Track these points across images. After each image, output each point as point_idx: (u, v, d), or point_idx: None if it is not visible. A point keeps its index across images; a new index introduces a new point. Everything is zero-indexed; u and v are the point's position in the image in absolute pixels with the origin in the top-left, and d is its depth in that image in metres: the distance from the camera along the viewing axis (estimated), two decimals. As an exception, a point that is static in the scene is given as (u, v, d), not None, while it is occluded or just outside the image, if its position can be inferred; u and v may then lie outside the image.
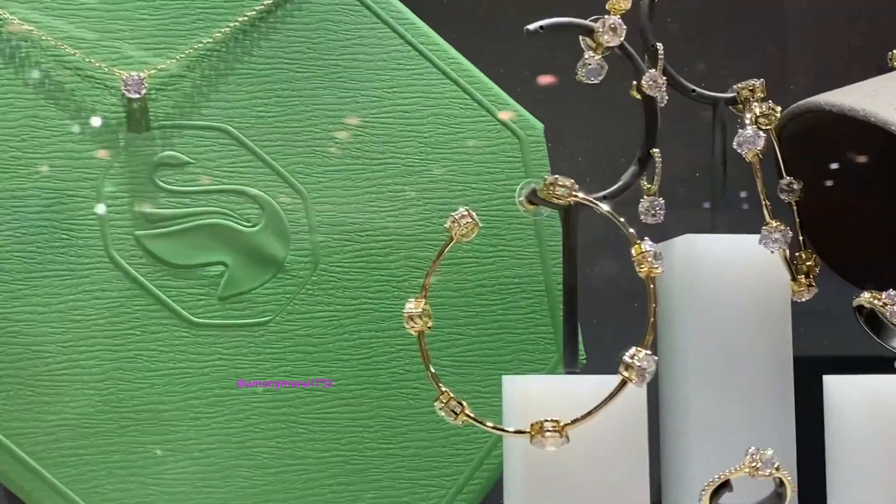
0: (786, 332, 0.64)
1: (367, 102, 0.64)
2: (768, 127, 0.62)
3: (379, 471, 0.62)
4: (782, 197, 0.64)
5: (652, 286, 0.51)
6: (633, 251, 0.51)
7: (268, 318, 0.61)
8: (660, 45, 0.62)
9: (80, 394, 0.59)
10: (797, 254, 0.63)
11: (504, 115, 0.65)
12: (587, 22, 0.55)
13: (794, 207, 0.64)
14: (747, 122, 0.62)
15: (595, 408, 0.49)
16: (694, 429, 0.63)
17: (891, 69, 0.70)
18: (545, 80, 0.74)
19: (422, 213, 0.64)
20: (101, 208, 0.60)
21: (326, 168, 0.63)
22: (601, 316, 0.73)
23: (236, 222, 0.62)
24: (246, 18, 0.62)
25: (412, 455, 0.62)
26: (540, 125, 0.65)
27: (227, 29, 0.62)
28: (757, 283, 0.63)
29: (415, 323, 0.52)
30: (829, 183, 0.71)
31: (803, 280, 0.62)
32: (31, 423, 0.58)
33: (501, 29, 0.76)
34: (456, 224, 0.52)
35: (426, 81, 0.65)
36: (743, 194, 0.71)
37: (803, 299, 0.63)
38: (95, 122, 0.61)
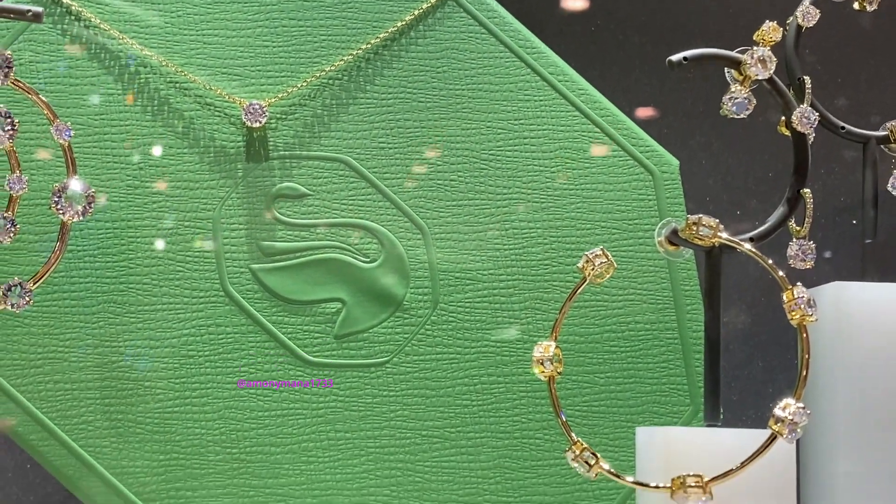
0: None
1: (493, 134, 0.65)
2: None
3: None
4: None
5: (804, 335, 0.52)
6: (784, 297, 0.52)
7: (385, 358, 0.62)
8: (807, 79, 0.63)
9: (190, 432, 0.60)
10: None
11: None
12: (734, 54, 0.56)
13: None
14: None
15: (743, 463, 0.50)
16: (841, 494, 0.62)
17: None
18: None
19: (548, 253, 0.64)
20: (216, 241, 0.62)
21: (449, 203, 0.64)
22: (733, 368, 0.74)
23: (355, 257, 0.63)
24: (369, 46, 0.64)
25: (545, 491, 0.62)
26: (675, 161, 0.66)
27: (349, 57, 0.64)
28: None
29: (544, 368, 0.52)
30: None
31: None
32: (141, 462, 0.59)
33: (633, 60, 0.77)
34: (590, 264, 0.53)
35: (555, 113, 0.66)
36: None
37: None
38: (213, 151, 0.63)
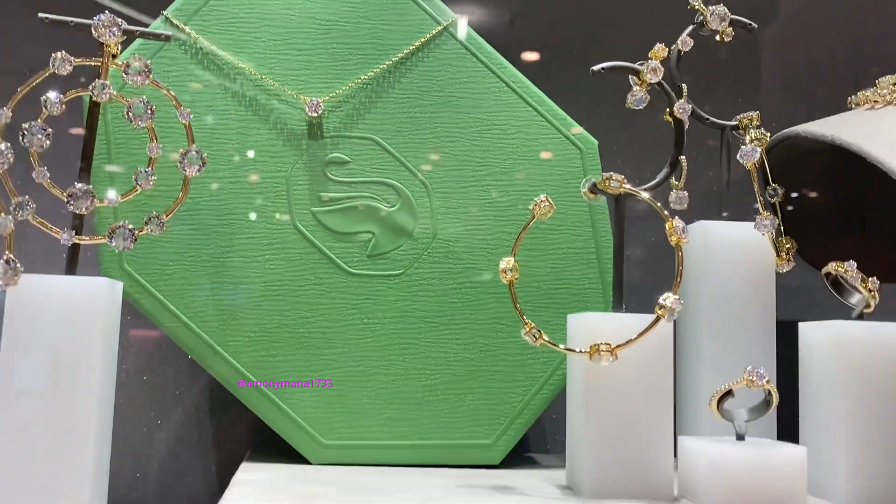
0: (771, 292, 0.62)
1: (473, 123, 0.63)
2: (760, 147, 0.62)
3: (475, 382, 0.61)
4: (769, 199, 0.64)
5: (680, 253, 0.51)
6: (666, 226, 0.51)
7: (400, 271, 0.61)
8: (684, 85, 0.62)
9: (273, 318, 0.59)
10: (779, 238, 0.62)
11: (574, 131, 0.64)
12: (635, 65, 0.55)
13: (778, 206, 0.64)
14: (747, 141, 0.62)
15: (638, 335, 0.50)
16: (706, 365, 0.61)
17: (849, 109, 0.69)
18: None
19: (511, 203, 0.63)
20: (289, 193, 0.61)
21: (444, 168, 0.63)
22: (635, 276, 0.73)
23: (381, 204, 0.62)
24: (390, 62, 0.63)
25: (499, 371, 0.61)
26: (595, 140, 0.65)
27: (377, 69, 0.62)
28: (752, 257, 0.62)
29: (507, 275, 0.52)
30: (804, 189, 0.70)
31: (784, 256, 0.62)
32: (240, 339, 0.58)
33: (569, 71, 0.75)
34: (538, 206, 0.52)
35: (515, 109, 0.64)
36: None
37: (783, 271, 0.62)
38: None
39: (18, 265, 0.47)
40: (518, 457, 0.65)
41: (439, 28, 0.64)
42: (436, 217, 0.62)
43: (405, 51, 0.63)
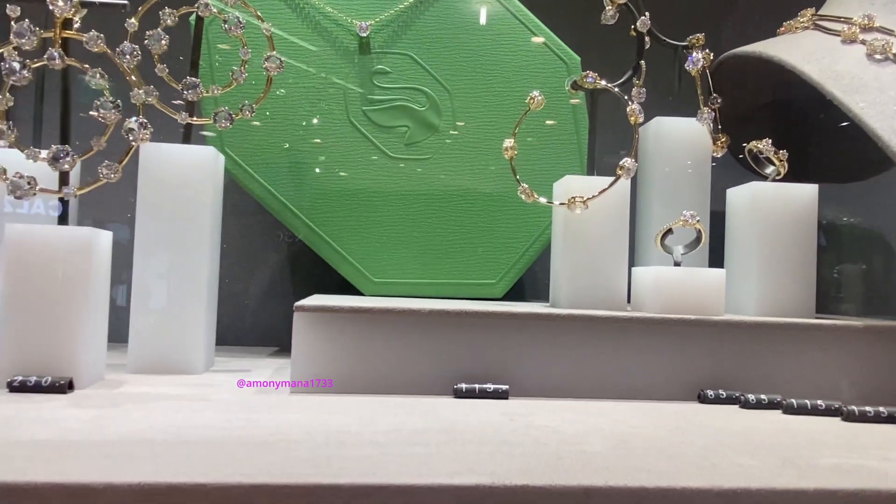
0: (707, 169, 0.63)
1: (485, 43, 0.64)
2: (703, 59, 0.62)
3: (484, 238, 0.63)
4: (711, 105, 0.65)
5: (637, 133, 0.54)
6: (627, 111, 0.54)
7: (429, 156, 0.63)
8: (647, 13, 0.63)
9: (337, 187, 0.62)
10: (717, 134, 0.63)
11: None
12: None
13: (717, 111, 0.65)
14: (694, 55, 0.63)
15: (603, 190, 0.53)
16: (654, 221, 0.61)
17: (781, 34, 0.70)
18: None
19: (511, 103, 0.64)
20: (345, 96, 0.63)
21: (461, 78, 0.64)
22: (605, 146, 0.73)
23: (414, 104, 0.63)
24: None
25: (503, 230, 0.64)
26: (578, 57, 0.66)
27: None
28: (694, 144, 0.63)
29: (508, 152, 0.55)
30: (740, 99, 0.71)
31: (719, 146, 0.63)
32: (319, 202, 0.61)
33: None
34: (532, 100, 0.55)
35: (517, 32, 0.65)
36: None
37: (718, 155, 0.63)
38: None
39: (149, 126, 0.48)
40: (514, 296, 0.68)
41: (459, -32, 0.65)
42: (455, 115, 0.64)
43: None
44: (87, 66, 0.46)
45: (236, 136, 0.61)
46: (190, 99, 0.53)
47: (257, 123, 0.61)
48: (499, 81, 0.65)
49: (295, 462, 0.29)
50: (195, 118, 0.54)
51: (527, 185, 0.55)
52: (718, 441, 0.36)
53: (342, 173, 0.63)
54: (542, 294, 0.76)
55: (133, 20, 0.53)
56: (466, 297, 0.63)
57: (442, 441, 0.34)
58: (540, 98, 0.55)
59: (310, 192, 0.62)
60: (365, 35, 0.63)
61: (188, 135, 0.55)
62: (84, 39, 0.46)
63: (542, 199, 0.54)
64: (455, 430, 0.36)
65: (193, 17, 0.56)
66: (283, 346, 0.76)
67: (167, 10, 0.53)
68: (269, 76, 0.55)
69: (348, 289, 0.64)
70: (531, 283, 0.75)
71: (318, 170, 0.62)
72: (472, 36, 0.65)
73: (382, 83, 0.63)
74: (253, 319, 0.76)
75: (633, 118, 0.53)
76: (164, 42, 0.52)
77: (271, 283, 0.77)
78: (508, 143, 0.55)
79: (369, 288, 0.63)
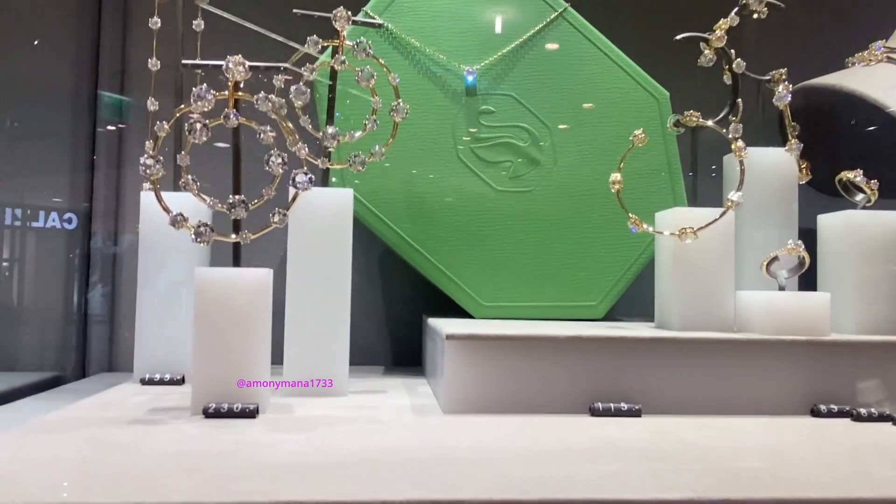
0: (794, 195, 0.65)
1: (580, 81, 0.68)
2: (790, 93, 0.66)
3: (585, 262, 0.67)
4: (790, 133, 0.69)
5: (742, 165, 0.58)
6: (733, 147, 0.58)
7: (532, 188, 0.67)
8: (733, 50, 0.67)
9: (449, 219, 0.66)
10: (800, 161, 0.67)
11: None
12: (706, 35, 0.60)
13: (797, 139, 0.69)
14: (780, 89, 0.66)
15: (713, 221, 0.57)
16: (746, 242, 0.64)
17: (849, 66, 0.73)
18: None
19: (607, 138, 0.68)
20: (454, 133, 0.67)
21: (560, 115, 0.68)
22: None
23: (517, 141, 0.67)
24: (522, 39, 0.68)
25: (601, 255, 0.67)
26: (666, 92, 0.69)
27: (512, 45, 0.68)
28: (783, 171, 0.66)
29: (614, 185, 0.59)
30: (815, 128, 0.74)
31: (803, 172, 0.67)
32: (433, 234, 0.65)
33: (657, 36, 0.73)
34: (636, 138, 0.58)
35: (610, 71, 0.69)
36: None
37: (803, 182, 0.67)
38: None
39: (314, 179, 0.52)
40: (612, 316, 0.71)
41: (556, 14, 0.69)
42: (556, 150, 0.68)
43: (531, 31, 0.69)
44: (255, 122, 0.51)
45: (358, 176, 0.65)
46: (330, 147, 0.58)
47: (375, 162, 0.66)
48: (594, 117, 0.69)
49: (516, 480, 0.34)
50: (332, 163, 0.60)
51: (635, 216, 0.59)
52: (862, 453, 0.40)
53: (453, 206, 0.67)
54: (619, 311, 0.80)
55: (280, 76, 0.58)
56: (569, 318, 0.67)
57: (622, 458, 0.38)
58: (642, 136, 0.59)
59: (424, 225, 0.66)
60: (471, 78, 0.67)
61: (326, 179, 0.60)
62: (254, 100, 0.51)
63: (650, 229, 0.59)
64: (618, 447, 0.41)
65: (327, 69, 0.61)
66: (385, 364, 0.81)
67: (308, 65, 0.58)
68: (396, 122, 0.60)
69: (445, 310, 0.68)
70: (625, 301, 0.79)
71: (431, 204, 0.67)
72: (568, 76, 0.69)
73: (488, 122, 0.68)
74: (361, 340, 0.80)
75: (739, 154, 0.57)
76: (307, 96, 0.57)
77: (370, 304, 0.82)
78: (615, 177, 0.59)
79: (480, 311, 0.67)
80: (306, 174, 0.52)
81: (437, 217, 0.66)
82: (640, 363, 0.52)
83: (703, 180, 0.66)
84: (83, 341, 0.79)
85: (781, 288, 0.57)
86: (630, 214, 0.59)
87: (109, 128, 0.80)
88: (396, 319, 0.82)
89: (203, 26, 0.66)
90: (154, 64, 0.65)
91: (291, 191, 0.54)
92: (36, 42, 0.75)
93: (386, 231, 0.66)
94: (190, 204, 0.56)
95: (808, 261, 0.56)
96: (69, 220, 0.76)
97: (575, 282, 0.68)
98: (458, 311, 0.69)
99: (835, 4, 0.90)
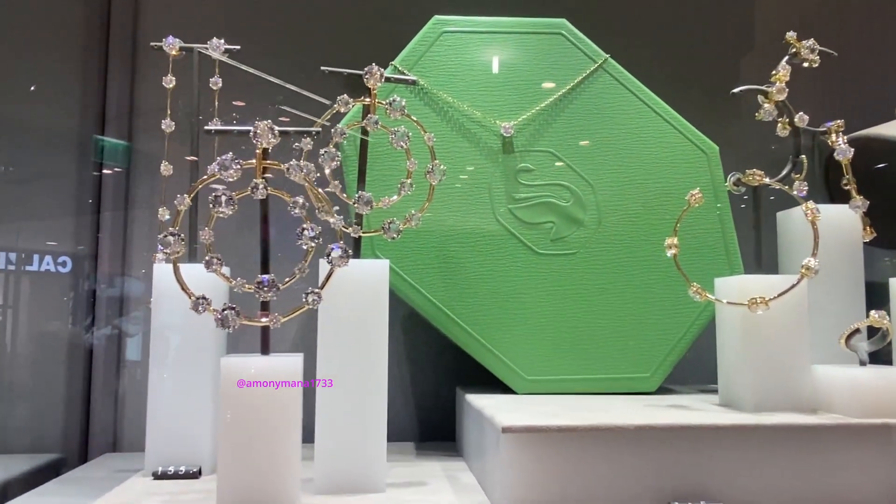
0: (860, 255, 0.61)
1: (624, 136, 0.65)
2: (852, 148, 0.62)
3: (635, 331, 0.63)
4: (844, 187, 0.65)
5: (815, 227, 0.53)
6: (803, 207, 0.53)
7: (575, 251, 0.64)
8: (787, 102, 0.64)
9: (487, 286, 0.62)
10: (864, 216, 0.62)
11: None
12: (765, 87, 0.57)
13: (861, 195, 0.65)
14: (840, 142, 0.63)
15: (784, 291, 0.52)
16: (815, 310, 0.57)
17: None
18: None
19: (654, 195, 0.64)
20: (490, 193, 0.63)
21: (604, 172, 0.65)
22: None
23: (558, 200, 0.64)
24: (561, 93, 0.65)
25: (653, 322, 0.63)
26: (716, 146, 0.66)
27: (550, 100, 0.65)
28: (843, 228, 0.61)
29: (671, 250, 0.55)
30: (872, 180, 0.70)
31: (867, 231, 0.63)
32: (469, 301, 0.61)
33: (703, 93, 0.74)
34: (693, 197, 0.55)
35: (654, 124, 0.66)
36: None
37: (867, 240, 0.63)
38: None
39: (350, 253, 0.47)
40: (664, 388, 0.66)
41: (595, 66, 0.66)
42: (600, 209, 0.65)
43: (570, 84, 0.66)
44: (285, 192, 0.46)
45: (388, 242, 0.60)
46: (363, 213, 0.54)
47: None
48: (640, 174, 0.65)
49: None
50: (368, 230, 0.55)
51: (697, 285, 0.54)
52: None
53: (491, 271, 0.63)
54: (691, 379, 0.74)
55: (308, 139, 0.54)
56: (620, 391, 0.62)
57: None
58: (699, 195, 0.55)
59: (460, 293, 0.62)
60: (508, 135, 0.64)
61: (358, 248, 0.55)
62: (284, 168, 0.47)
63: (722, 300, 0.54)
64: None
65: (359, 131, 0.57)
66: (413, 439, 0.75)
67: (338, 127, 0.54)
68: (432, 185, 0.56)
69: (479, 379, 0.63)
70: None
71: (467, 269, 0.62)
72: (611, 130, 0.66)
73: (526, 181, 0.64)
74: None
75: (812, 215, 0.53)
76: (337, 160, 0.53)
77: (395, 373, 0.77)
78: (671, 240, 0.55)
79: (522, 386, 0.62)
80: (342, 247, 0.47)
81: (473, 283, 0.62)
82: (721, 454, 0.46)
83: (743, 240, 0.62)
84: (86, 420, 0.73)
85: (863, 363, 0.52)
86: (692, 283, 0.54)
87: (105, 171, 0.76)
88: (423, 389, 0.77)
89: (221, 84, 0.63)
90: (168, 125, 0.61)
91: (323, 265, 0.50)
92: (32, 88, 0.73)
93: (418, 298, 0.61)
94: (205, 276, 0.50)
95: (892, 332, 0.51)
96: (63, 264, 0.73)
97: (625, 352, 0.63)
98: (493, 381, 0.64)
99: (880, 51, 0.87)
